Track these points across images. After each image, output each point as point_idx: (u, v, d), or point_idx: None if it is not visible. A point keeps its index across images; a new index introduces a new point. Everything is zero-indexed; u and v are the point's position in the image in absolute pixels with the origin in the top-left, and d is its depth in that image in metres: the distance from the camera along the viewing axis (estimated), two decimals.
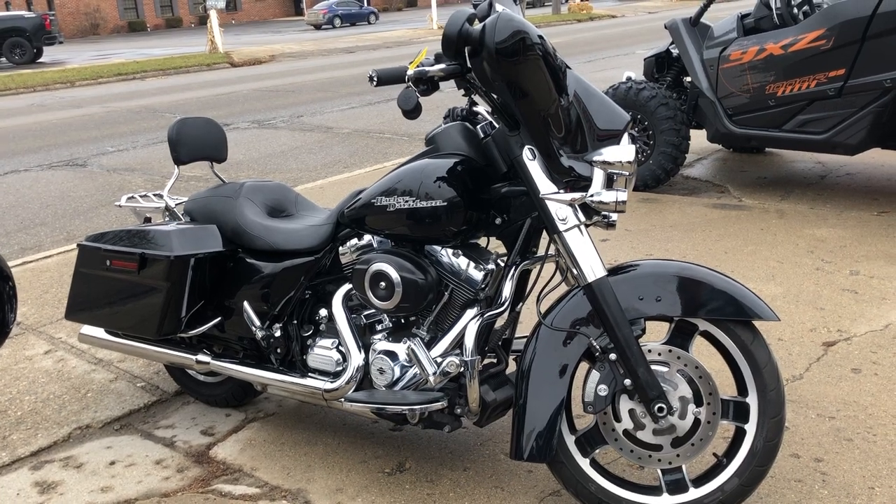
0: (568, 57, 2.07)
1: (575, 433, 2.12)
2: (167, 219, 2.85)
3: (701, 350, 2.15)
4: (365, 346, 2.32)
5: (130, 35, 42.91)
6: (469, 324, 2.13)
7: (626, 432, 2.07)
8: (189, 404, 2.99)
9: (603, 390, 2.04)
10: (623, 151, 1.96)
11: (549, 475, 2.31)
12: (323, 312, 2.48)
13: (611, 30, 22.29)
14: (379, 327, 2.37)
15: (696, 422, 2.03)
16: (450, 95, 7.92)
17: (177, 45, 27.41)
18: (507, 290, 2.15)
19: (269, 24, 45.38)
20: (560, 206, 2.00)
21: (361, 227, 2.30)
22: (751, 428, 2.03)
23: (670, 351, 2.04)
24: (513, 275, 2.16)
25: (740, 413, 2.05)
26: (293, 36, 30.48)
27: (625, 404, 2.06)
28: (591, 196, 1.96)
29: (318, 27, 36.49)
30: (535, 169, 2.01)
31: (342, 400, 2.31)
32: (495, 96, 2.02)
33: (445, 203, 2.09)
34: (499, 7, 2.00)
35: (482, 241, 2.32)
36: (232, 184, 2.72)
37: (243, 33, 34.62)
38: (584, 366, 2.10)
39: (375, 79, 2.07)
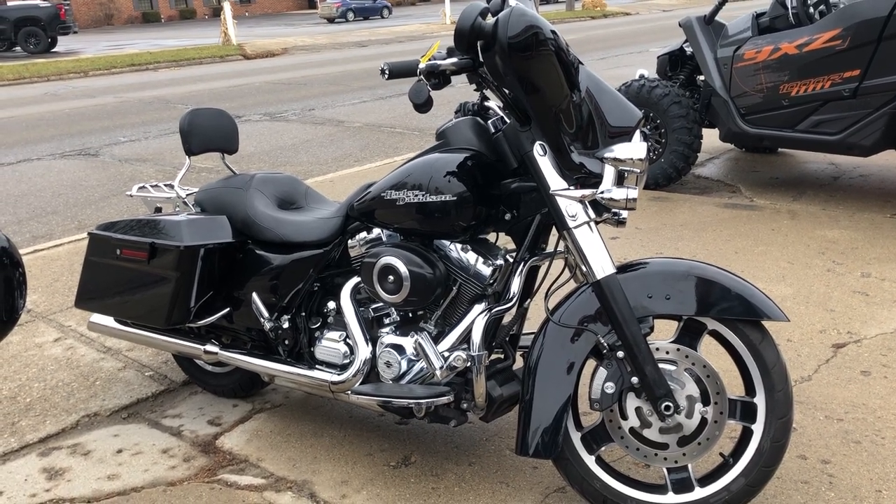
0: (581, 54, 2.06)
1: (581, 430, 2.12)
2: (178, 209, 2.86)
3: (709, 349, 2.14)
4: (372, 340, 2.32)
5: (144, 26, 43.04)
6: (477, 319, 2.13)
7: (632, 430, 2.07)
8: (196, 394, 3.01)
9: (610, 388, 2.03)
10: (634, 148, 1.95)
11: (555, 472, 2.31)
12: (331, 305, 2.48)
13: (624, 27, 22.20)
14: (387, 321, 2.37)
15: (703, 421, 2.03)
16: (461, 90, 7.91)
17: (190, 37, 27.48)
18: (516, 285, 2.14)
19: (283, 17, 45.43)
20: (570, 203, 1.99)
21: (371, 220, 2.30)
22: (758, 428, 2.02)
23: (678, 349, 2.04)
24: (521, 271, 2.16)
25: (748, 413, 2.04)
26: (306, 29, 30.51)
27: (631, 402, 2.05)
28: (602, 193, 1.96)
29: (331, 21, 36.50)
30: (545, 165, 2.00)
31: (349, 392, 2.32)
32: (507, 91, 2.02)
33: (455, 198, 2.09)
34: (512, 1, 2.00)
35: (491, 237, 2.31)
36: (242, 175, 2.73)
37: (256, 26, 34.67)
38: (591, 363, 2.10)
39: (387, 72, 2.07)
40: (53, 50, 23.90)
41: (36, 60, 19.52)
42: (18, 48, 23.42)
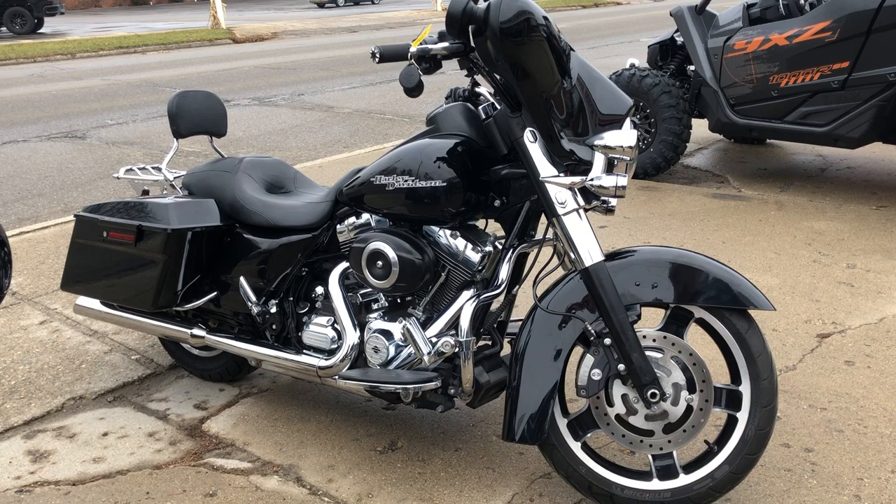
0: (572, 43, 2.05)
1: (567, 417, 2.13)
2: (165, 192, 2.84)
3: (695, 338, 2.15)
4: (360, 325, 2.32)
5: (132, 8, 42.60)
6: (465, 305, 2.13)
7: (618, 417, 2.08)
8: (183, 378, 3.00)
9: (596, 375, 2.04)
10: (624, 136, 1.96)
11: (541, 457, 2.32)
12: (319, 290, 2.48)
13: (616, 16, 22.17)
14: (375, 306, 2.37)
15: (689, 408, 2.04)
16: (452, 77, 7.89)
17: (179, 20, 27.22)
18: (504, 272, 2.14)
19: (273, 1, 45.08)
20: (559, 190, 1.99)
21: (360, 205, 2.30)
22: (743, 416, 2.04)
23: (665, 337, 2.05)
24: (510, 257, 2.16)
25: (733, 401, 2.06)
26: (296, 13, 30.28)
27: (618, 389, 2.06)
28: (591, 180, 1.96)
29: (321, 5, 36.21)
30: (535, 151, 2.00)
31: (336, 377, 2.32)
32: (498, 76, 2.01)
33: (445, 183, 2.09)
34: None
35: (481, 223, 2.31)
36: (231, 158, 2.71)
37: (246, 9, 34.40)
38: (578, 350, 2.10)
39: (378, 55, 2.05)
40: (40, 31, 23.60)
41: (22, 41, 19.28)
42: (4, 29, 23.11)
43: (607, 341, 2.02)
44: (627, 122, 2.01)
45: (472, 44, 2.01)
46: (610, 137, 1.96)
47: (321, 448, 2.51)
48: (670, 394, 2.03)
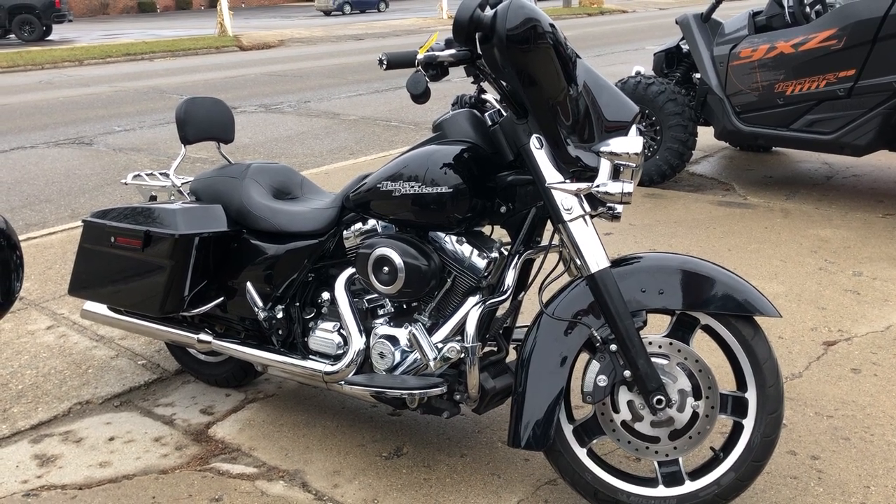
0: (578, 51, 2.06)
1: (573, 423, 2.13)
2: (172, 198, 2.85)
3: (701, 344, 2.15)
4: (366, 331, 2.33)
5: (140, 16, 42.80)
6: (471, 311, 2.14)
7: (624, 423, 2.08)
8: (189, 383, 3.01)
9: (602, 381, 2.04)
10: (630, 143, 1.96)
11: (546, 464, 2.32)
12: (325, 296, 2.48)
13: (621, 24, 22.20)
14: (381, 312, 2.38)
15: (695, 415, 2.04)
16: (457, 84, 7.90)
17: (186, 27, 27.34)
18: (510, 278, 2.15)
19: (279, 9, 45.25)
20: (566, 196, 2.00)
21: (366, 211, 2.31)
22: (749, 423, 2.03)
23: (671, 344, 2.05)
24: (516, 263, 2.17)
25: (739, 408, 2.06)
26: (303, 21, 30.40)
27: (624, 395, 2.06)
28: (597, 186, 1.96)
29: (327, 13, 36.34)
30: (541, 158, 2.01)
31: (342, 383, 2.32)
32: (504, 83, 2.02)
33: (451, 190, 2.09)
34: None
35: (486, 229, 2.32)
36: (238, 165, 2.72)
37: (253, 17, 34.54)
38: (584, 356, 2.10)
39: (385, 62, 2.07)
40: (48, 38, 23.73)
41: (30, 48, 19.38)
42: (13, 36, 23.25)
43: (613, 347, 2.02)
44: (633, 128, 2.02)
45: (479, 51, 2.02)
46: (616, 144, 1.97)
47: (327, 453, 2.52)
48: (676, 400, 2.03)
